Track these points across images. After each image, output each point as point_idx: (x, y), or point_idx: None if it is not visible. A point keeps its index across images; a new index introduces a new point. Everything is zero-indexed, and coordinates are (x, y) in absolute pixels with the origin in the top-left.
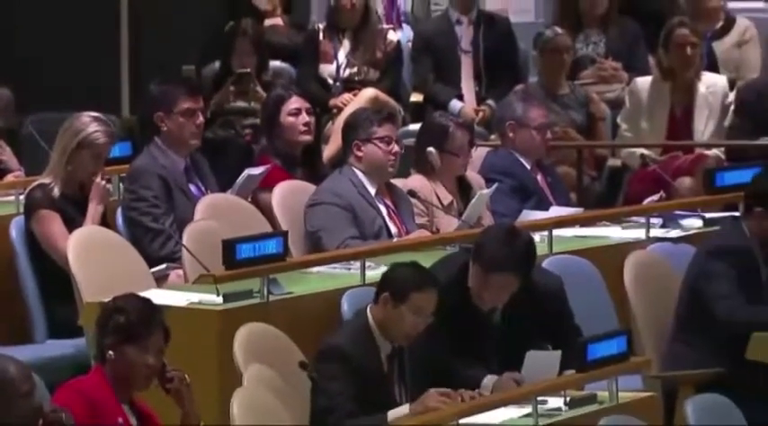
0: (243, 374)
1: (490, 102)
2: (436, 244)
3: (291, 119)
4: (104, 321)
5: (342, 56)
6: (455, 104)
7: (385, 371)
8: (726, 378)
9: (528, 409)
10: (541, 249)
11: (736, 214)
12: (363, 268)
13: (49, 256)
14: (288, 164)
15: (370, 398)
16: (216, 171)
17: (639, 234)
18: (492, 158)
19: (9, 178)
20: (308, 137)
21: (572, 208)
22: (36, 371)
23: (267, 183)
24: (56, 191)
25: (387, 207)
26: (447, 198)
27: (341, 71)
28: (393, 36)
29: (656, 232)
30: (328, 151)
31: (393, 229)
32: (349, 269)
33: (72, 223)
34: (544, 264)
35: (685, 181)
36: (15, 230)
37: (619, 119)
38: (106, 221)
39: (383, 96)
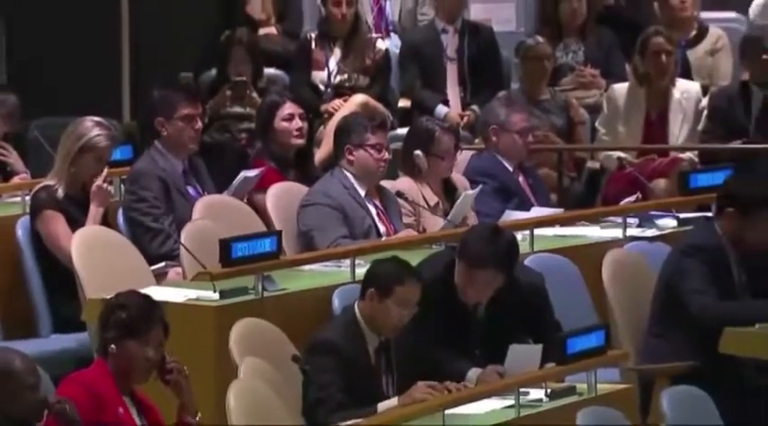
0: (238, 367)
1: (474, 107)
2: (423, 243)
3: (285, 124)
4: (106, 316)
5: (333, 63)
6: (441, 109)
7: (373, 364)
8: (700, 371)
9: (511, 400)
10: (523, 248)
11: (709, 214)
12: (353, 266)
13: (53, 254)
14: (281, 167)
15: (359, 390)
16: (213, 173)
17: (617, 233)
18: (476, 161)
19: (15, 180)
20: (300, 141)
21: (552, 209)
22: (41, 364)
23: (262, 185)
24: (60, 193)
25: (376, 207)
26: (433, 199)
27: (332, 78)
28: (382, 44)
29: (632, 231)
30: (320, 154)
31: (382, 229)
32: (339, 266)
33: (75, 223)
34: (526, 262)
35: (660, 183)
36: (21, 230)
37: (597, 124)
38: (108, 221)
39: (373, 102)
